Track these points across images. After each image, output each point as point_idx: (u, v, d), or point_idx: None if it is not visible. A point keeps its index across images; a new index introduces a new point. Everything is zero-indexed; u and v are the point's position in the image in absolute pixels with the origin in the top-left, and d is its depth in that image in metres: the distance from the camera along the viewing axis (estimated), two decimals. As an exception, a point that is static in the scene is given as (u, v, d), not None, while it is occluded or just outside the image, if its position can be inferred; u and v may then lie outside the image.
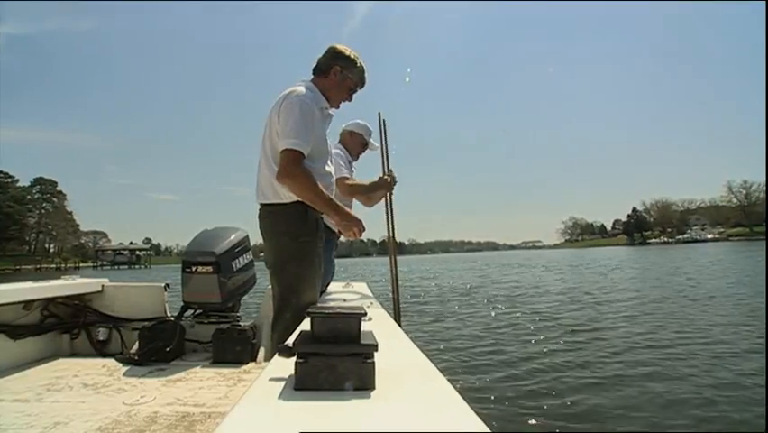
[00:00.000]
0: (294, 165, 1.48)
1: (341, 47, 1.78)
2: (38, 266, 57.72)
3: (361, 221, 1.67)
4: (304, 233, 1.61)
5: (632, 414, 2.76)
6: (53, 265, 61.15)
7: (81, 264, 64.73)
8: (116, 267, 60.70)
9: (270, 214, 1.66)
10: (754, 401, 2.87)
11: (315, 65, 1.77)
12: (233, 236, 2.78)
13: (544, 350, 4.43)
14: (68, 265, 62.55)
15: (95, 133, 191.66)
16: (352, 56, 1.76)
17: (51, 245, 73.81)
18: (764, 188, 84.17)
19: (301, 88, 1.64)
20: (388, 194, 2.37)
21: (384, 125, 2.43)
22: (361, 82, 1.82)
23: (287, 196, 1.59)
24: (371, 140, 2.46)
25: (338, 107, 1.84)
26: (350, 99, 1.83)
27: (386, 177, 2.34)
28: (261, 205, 1.69)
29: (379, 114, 2.45)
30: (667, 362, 3.88)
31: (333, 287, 2.33)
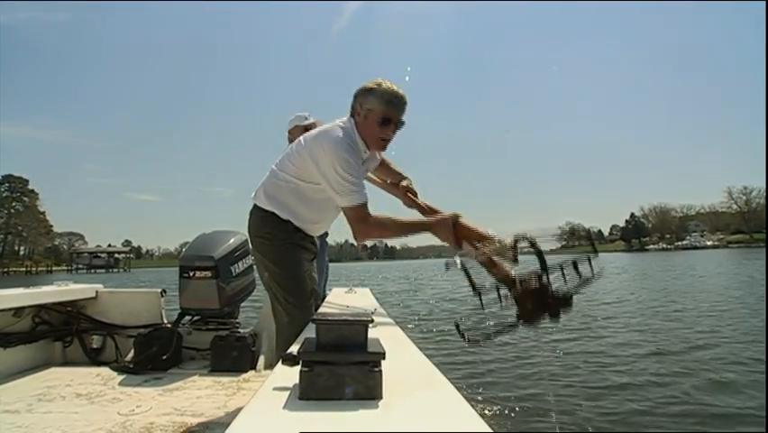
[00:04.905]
0: (361, 223, 1.45)
1: (367, 82, 1.52)
2: (5, 270, 55.26)
3: (447, 219, 1.44)
4: (279, 237, 1.58)
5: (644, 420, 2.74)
6: (23, 269, 58.61)
7: (54, 268, 61.89)
8: (93, 271, 58.03)
9: (252, 215, 1.65)
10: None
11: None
12: (231, 240, 2.74)
13: (560, 358, 4.25)
14: (40, 269, 59.93)
15: (71, 129, 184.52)
16: (370, 85, 1.49)
17: (22, 247, 70.69)
18: (765, 195, 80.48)
19: (337, 133, 1.46)
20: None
21: None
22: (386, 106, 1.46)
23: (266, 203, 1.59)
24: (308, 121, 2.73)
25: (383, 149, 1.61)
26: (387, 134, 1.52)
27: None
28: (254, 205, 1.67)
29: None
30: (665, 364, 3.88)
31: (335, 293, 2.32)
